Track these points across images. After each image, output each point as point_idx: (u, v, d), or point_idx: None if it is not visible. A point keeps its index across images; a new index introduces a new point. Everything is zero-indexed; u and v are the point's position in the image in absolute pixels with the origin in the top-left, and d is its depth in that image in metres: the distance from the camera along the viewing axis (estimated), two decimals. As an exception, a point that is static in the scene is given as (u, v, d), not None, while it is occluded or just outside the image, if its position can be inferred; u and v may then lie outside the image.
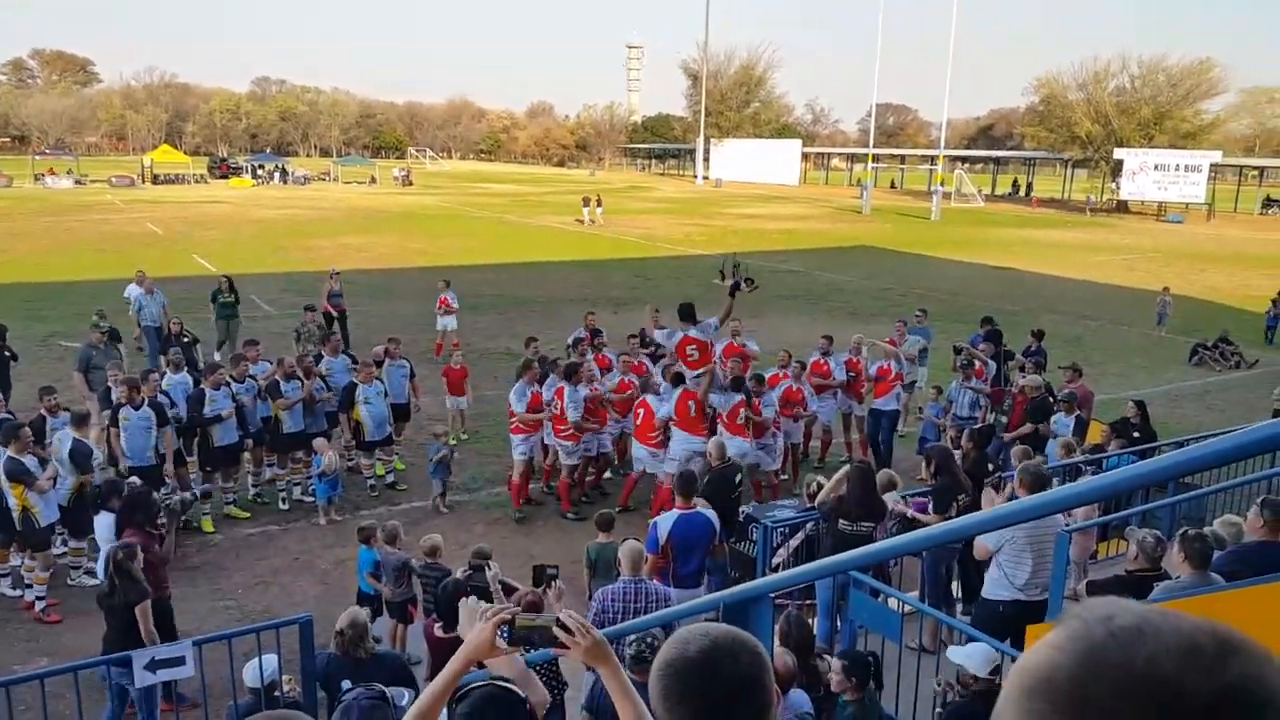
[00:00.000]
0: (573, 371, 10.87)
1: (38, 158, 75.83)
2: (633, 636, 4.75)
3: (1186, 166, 57.57)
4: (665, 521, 7.35)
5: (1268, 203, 65.54)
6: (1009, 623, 6.24)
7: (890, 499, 7.70)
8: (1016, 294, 27.15)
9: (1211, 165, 58.54)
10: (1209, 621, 0.75)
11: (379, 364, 11.77)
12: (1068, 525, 7.17)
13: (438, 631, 6.09)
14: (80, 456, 8.92)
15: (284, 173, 74.45)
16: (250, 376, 10.89)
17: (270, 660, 5.62)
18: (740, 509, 8.93)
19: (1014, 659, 5.23)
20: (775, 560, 7.97)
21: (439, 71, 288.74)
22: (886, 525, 7.52)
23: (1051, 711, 0.74)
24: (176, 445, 10.29)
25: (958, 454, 8.74)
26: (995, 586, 6.60)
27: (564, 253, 34.48)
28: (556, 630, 2.07)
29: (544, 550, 9.56)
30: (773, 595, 3.91)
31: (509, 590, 6.30)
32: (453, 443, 11.14)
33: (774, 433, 10.97)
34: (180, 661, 5.56)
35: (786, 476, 11.86)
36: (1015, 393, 11.66)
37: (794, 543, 8.07)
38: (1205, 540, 5.27)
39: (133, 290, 16.66)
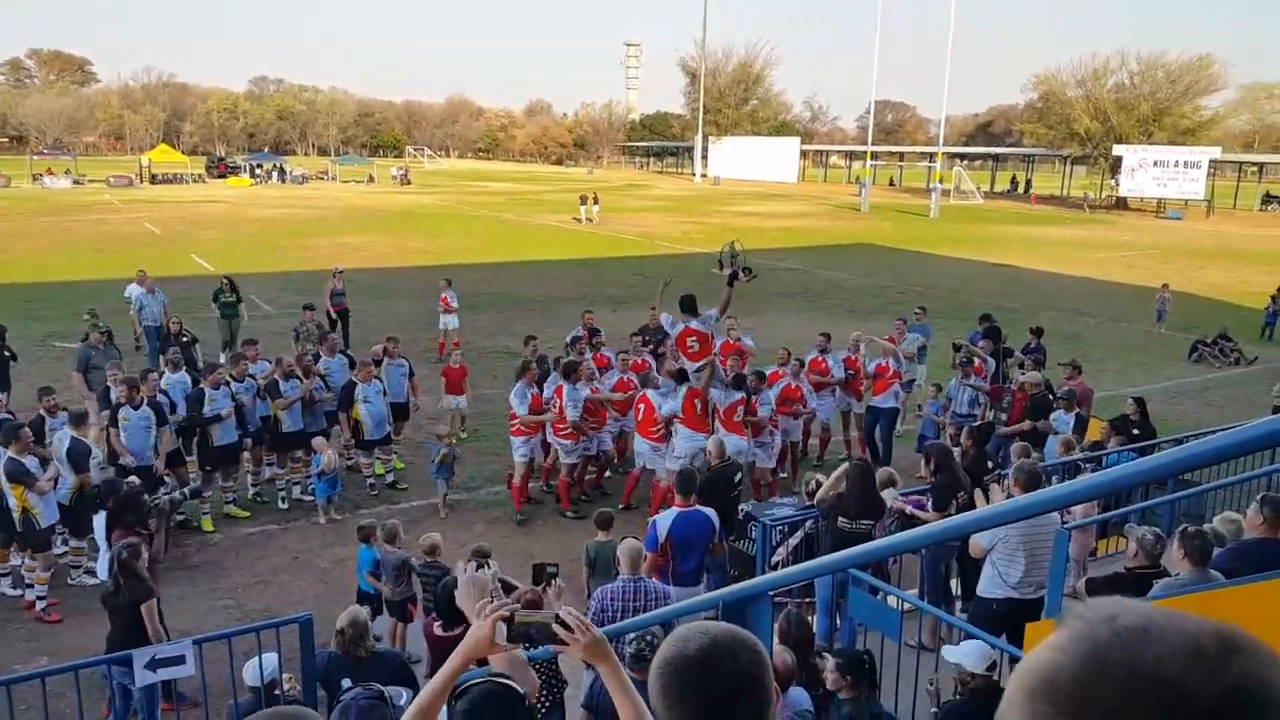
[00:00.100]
0: (571, 370, 10.87)
1: (35, 158, 75.86)
2: (632, 635, 4.75)
3: (1186, 163, 57.56)
4: (665, 519, 7.35)
5: (1267, 199, 65.55)
6: (1003, 620, 6.25)
7: (888, 496, 7.70)
8: (1015, 291, 27.16)
9: (1211, 161, 58.50)
10: (1213, 622, 0.75)
11: (377, 363, 11.77)
12: (1067, 523, 7.17)
13: (437, 630, 6.09)
14: (78, 455, 8.92)
15: (282, 172, 74.39)
16: (250, 376, 10.89)
17: (270, 659, 5.62)
18: (740, 507, 8.94)
19: (1010, 656, 5.25)
20: (774, 559, 7.97)
21: (437, 70, 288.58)
22: (885, 523, 7.53)
23: (1055, 713, 0.74)
24: (176, 444, 10.29)
25: (957, 451, 8.75)
26: (989, 584, 6.61)
27: (562, 251, 34.47)
28: (556, 627, 2.07)
29: (543, 549, 9.57)
30: (772, 593, 3.91)
31: (509, 588, 6.30)
32: (453, 442, 11.11)
33: (771, 430, 10.97)
34: (180, 660, 5.55)
35: (786, 475, 11.87)
36: (1014, 390, 11.66)
37: (793, 541, 8.07)
38: (1205, 537, 5.27)
39: (133, 290, 16.66)
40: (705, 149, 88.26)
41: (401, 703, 4.32)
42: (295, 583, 9.18)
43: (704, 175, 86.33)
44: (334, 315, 17.50)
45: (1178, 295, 22.75)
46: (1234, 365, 18.89)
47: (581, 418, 10.80)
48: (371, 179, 74.99)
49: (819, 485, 7.97)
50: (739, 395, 10.51)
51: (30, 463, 8.51)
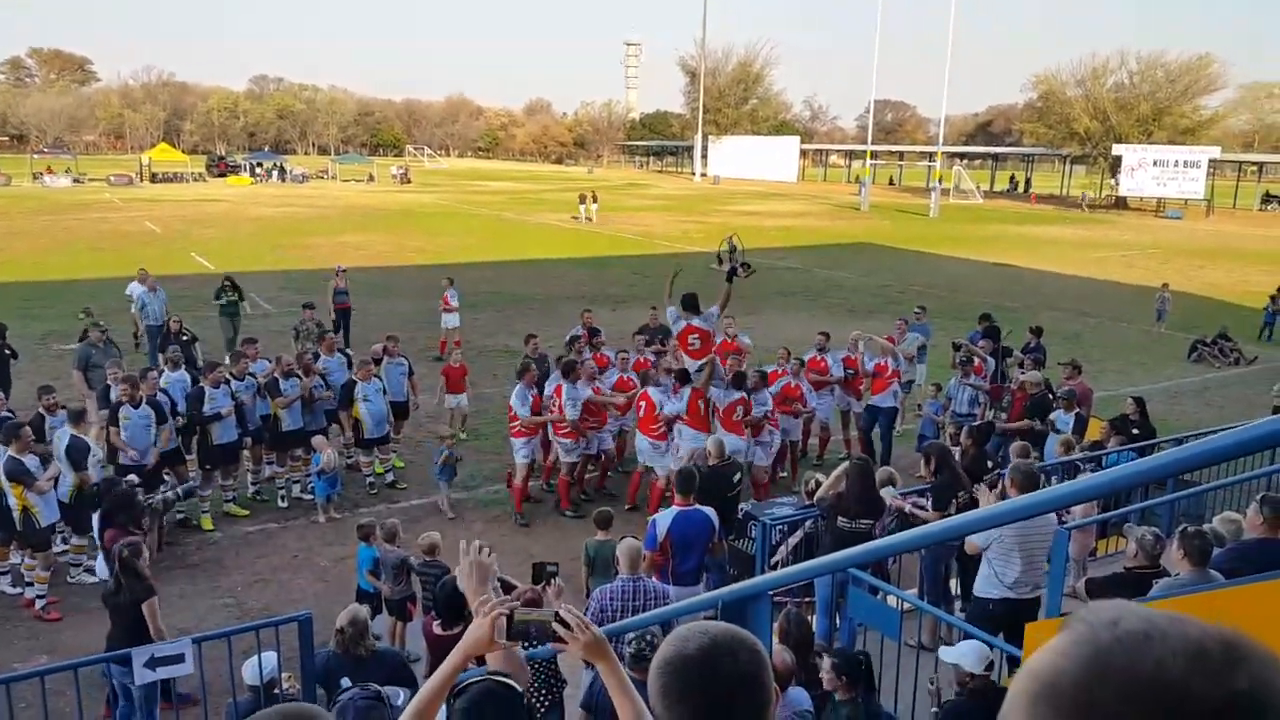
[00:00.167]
0: (570, 369, 10.87)
1: (36, 156, 75.83)
2: (632, 635, 4.75)
3: (1185, 162, 57.56)
4: (664, 518, 7.35)
5: (1267, 198, 65.54)
6: (999, 620, 6.25)
7: (887, 494, 7.70)
8: (1015, 291, 27.16)
9: (1210, 161, 58.50)
10: (1216, 626, 0.74)
11: (377, 362, 11.77)
12: (1066, 522, 7.18)
13: (436, 629, 6.09)
14: (76, 453, 8.92)
15: (282, 171, 74.35)
16: (250, 374, 10.89)
17: (270, 658, 5.62)
18: (739, 506, 8.94)
19: (1008, 655, 5.25)
20: (774, 559, 7.97)
21: (437, 69, 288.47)
22: (884, 522, 7.52)
23: (1056, 717, 0.73)
24: (175, 443, 10.29)
25: (956, 451, 8.75)
26: (985, 584, 6.62)
27: (562, 250, 34.46)
28: (555, 625, 2.07)
29: (543, 548, 9.57)
30: (772, 593, 3.91)
31: (508, 588, 6.29)
32: (454, 444, 11.08)
33: (770, 430, 10.96)
34: (180, 659, 5.55)
35: (786, 474, 11.87)
36: (1014, 389, 11.67)
37: (793, 540, 8.07)
38: (1205, 537, 5.26)
39: (135, 288, 16.66)
40: (705, 148, 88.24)
41: (399, 702, 4.32)
42: (295, 581, 9.18)
43: (704, 174, 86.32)
44: (336, 314, 17.48)
45: (1177, 295, 22.76)
46: (1234, 365, 18.90)
47: (581, 418, 10.80)
48: (371, 178, 74.99)
49: (819, 484, 7.97)
50: (739, 395, 10.50)
51: (30, 462, 8.51)
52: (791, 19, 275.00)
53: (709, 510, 7.45)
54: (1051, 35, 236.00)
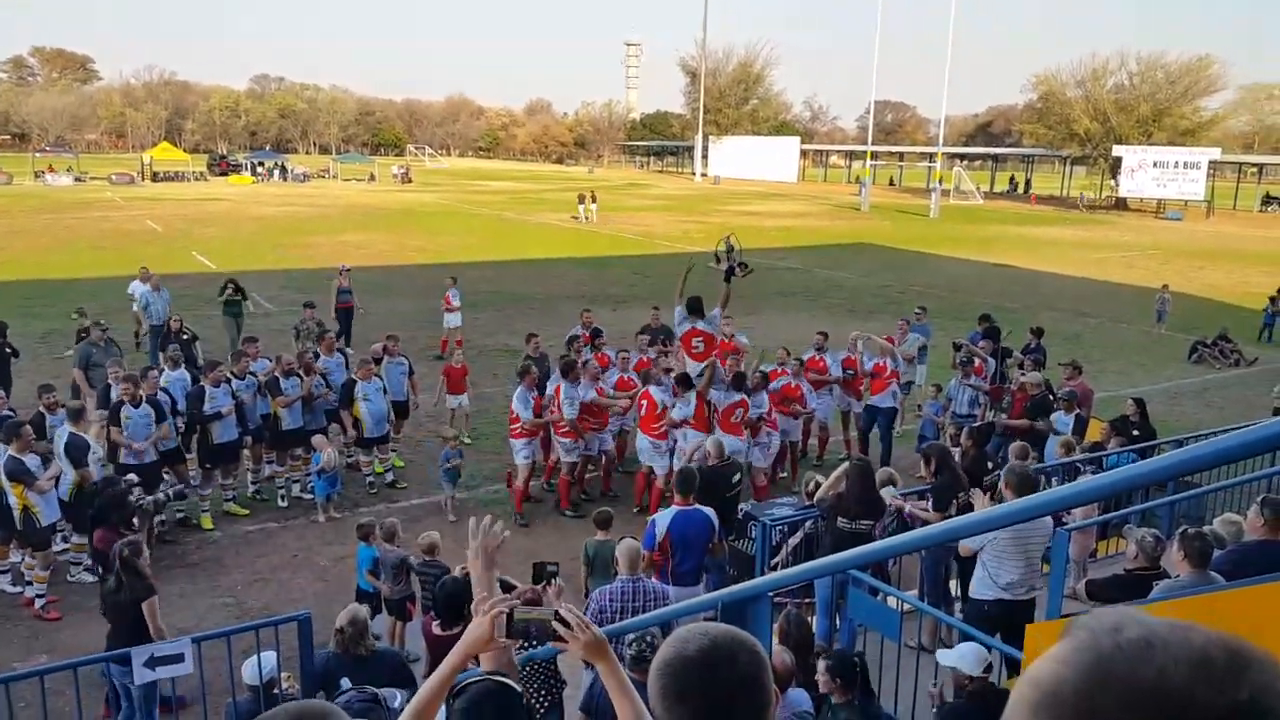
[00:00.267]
0: (569, 368, 10.87)
1: (38, 155, 75.68)
2: (632, 636, 4.75)
3: (1185, 163, 57.54)
4: (664, 518, 7.35)
5: (1267, 200, 65.50)
6: (995, 622, 6.25)
7: (887, 494, 7.70)
8: (1015, 291, 27.15)
9: (1210, 162, 58.47)
10: (1219, 633, 0.73)
11: (378, 361, 11.76)
12: (1067, 524, 7.17)
13: (435, 629, 6.09)
14: (76, 450, 8.92)
15: (283, 170, 74.37)
16: (250, 373, 10.89)
17: (269, 657, 5.61)
18: (739, 507, 8.93)
19: (1006, 656, 5.25)
20: (774, 560, 7.97)
21: (438, 69, 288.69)
22: (884, 522, 7.52)
23: None
24: (175, 442, 10.28)
25: (956, 451, 8.74)
26: (980, 586, 6.62)
27: (562, 250, 34.46)
28: (555, 624, 2.07)
29: (543, 548, 9.55)
30: (772, 594, 3.91)
31: (508, 587, 6.29)
32: (458, 447, 11.05)
33: (768, 431, 10.95)
34: (179, 659, 5.55)
35: (786, 474, 11.87)
36: (1014, 390, 11.66)
37: (793, 541, 8.07)
38: (1205, 539, 5.26)
39: (137, 287, 16.67)
40: (705, 148, 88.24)
41: (396, 704, 4.32)
42: (294, 580, 9.18)
43: (704, 175, 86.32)
44: (338, 313, 17.46)
45: (1177, 296, 22.75)
46: (1234, 366, 18.89)
47: (581, 419, 10.79)
48: (372, 177, 75.01)
49: (818, 485, 7.96)
50: (738, 397, 10.51)
51: (31, 461, 8.51)
52: (792, 19, 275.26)
53: (709, 510, 7.45)
54: (1051, 35, 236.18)
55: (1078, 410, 10.74)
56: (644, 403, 10.68)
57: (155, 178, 66.38)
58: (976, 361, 12.28)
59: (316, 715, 1.62)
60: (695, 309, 11.12)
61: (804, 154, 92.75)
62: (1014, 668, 5.49)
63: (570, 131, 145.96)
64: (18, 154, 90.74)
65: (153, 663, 5.51)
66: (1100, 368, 17.34)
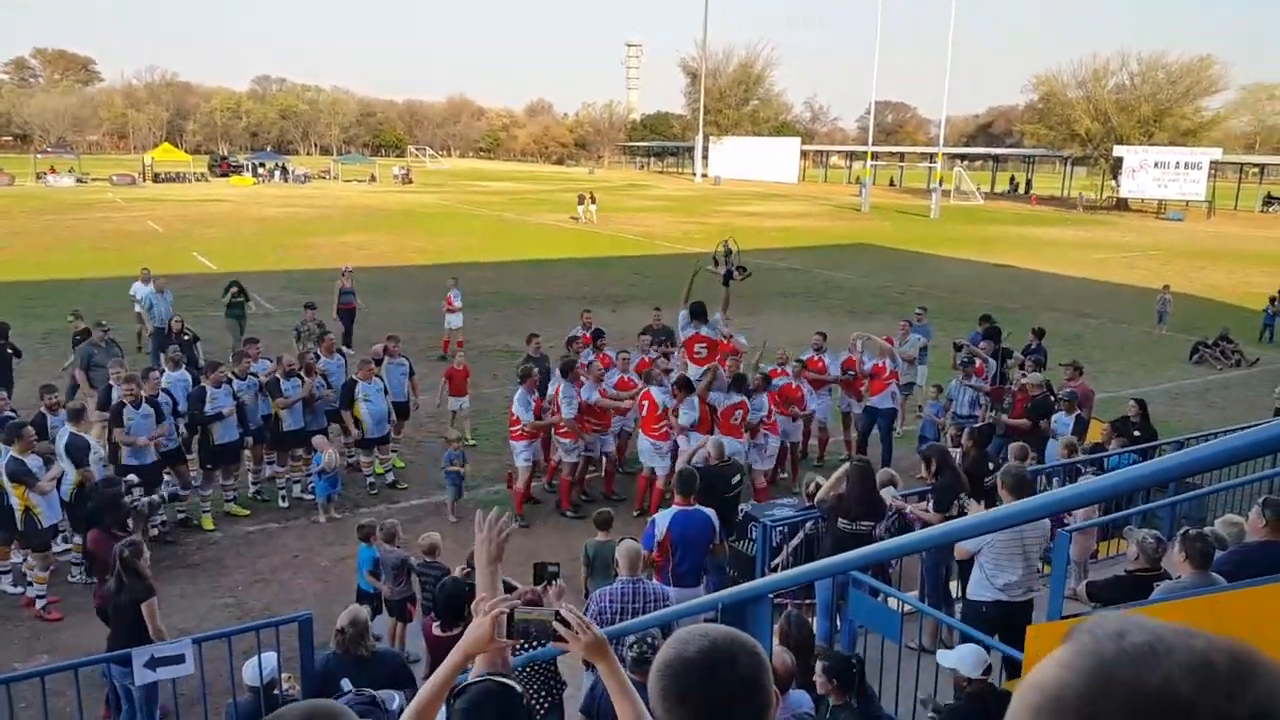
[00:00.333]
0: (569, 368, 10.86)
1: (39, 156, 75.60)
2: (633, 638, 4.74)
3: (1186, 164, 57.54)
4: (664, 517, 7.34)
5: (1268, 200, 65.50)
6: (992, 623, 6.25)
7: (887, 495, 7.69)
8: (1016, 292, 27.14)
9: (1211, 162, 58.49)
10: (1223, 639, 0.73)
11: (378, 362, 11.76)
12: (1068, 525, 7.16)
13: (436, 630, 6.09)
14: (76, 450, 8.93)
15: (284, 171, 74.41)
16: (251, 374, 10.89)
17: (270, 658, 5.61)
18: (739, 507, 8.93)
19: (1004, 656, 5.25)
20: (775, 561, 7.96)
21: (438, 70, 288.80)
22: (885, 523, 7.51)
23: None
24: (176, 443, 10.28)
25: (957, 453, 8.74)
26: (977, 587, 6.63)
27: (562, 250, 34.47)
28: (556, 624, 2.07)
29: (543, 549, 9.54)
30: (772, 595, 3.90)
31: (508, 588, 6.28)
32: (462, 450, 11.02)
33: (765, 434, 10.94)
34: (180, 659, 5.55)
35: (786, 475, 11.87)
36: (1015, 391, 11.65)
37: (794, 542, 8.06)
38: (1206, 540, 5.25)
39: (139, 288, 16.67)
40: (706, 149, 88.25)
41: (393, 706, 4.32)
42: (295, 581, 9.18)
43: (704, 175, 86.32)
44: (340, 314, 17.46)
45: (1178, 296, 22.75)
46: (1235, 367, 18.89)
47: (582, 420, 10.78)
48: (373, 178, 75.04)
49: (819, 486, 7.96)
50: (738, 399, 10.51)
51: (33, 462, 8.51)
52: (792, 19, 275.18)
53: (709, 511, 7.44)
54: (1052, 36, 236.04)
55: (1078, 411, 10.73)
56: (645, 403, 10.68)
57: (156, 179, 66.40)
58: (977, 362, 12.27)
59: (327, 715, 1.61)
60: (699, 314, 11.13)
61: (804, 154, 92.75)
62: (1013, 669, 5.49)
63: (571, 132, 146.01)
64: (20, 155, 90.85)
65: (153, 663, 5.51)
66: (1101, 368, 17.33)
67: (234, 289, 17.11)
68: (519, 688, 2.40)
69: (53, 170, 66.73)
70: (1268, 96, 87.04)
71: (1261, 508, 5.67)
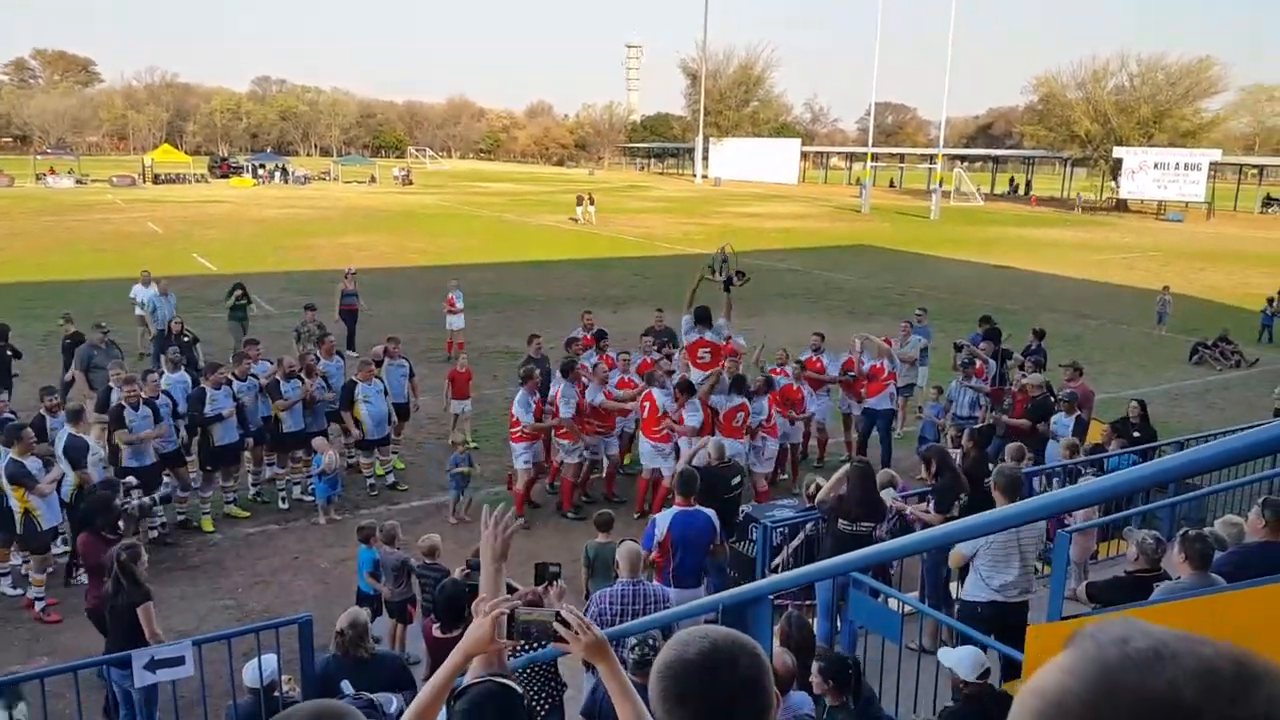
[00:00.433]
0: (568, 369, 10.86)
1: (39, 157, 75.78)
2: (634, 640, 4.74)
3: (1186, 165, 57.54)
4: (664, 518, 7.35)
5: (1267, 201, 65.47)
6: (989, 623, 6.25)
7: (887, 496, 7.69)
8: (1015, 293, 27.14)
9: (1211, 164, 58.49)
10: (1228, 645, 0.73)
11: (378, 363, 11.76)
12: (1068, 525, 7.16)
13: (436, 631, 6.08)
14: (75, 452, 8.93)
15: (284, 172, 74.41)
16: (251, 375, 10.88)
17: (270, 660, 5.61)
18: (740, 509, 8.93)
19: (1003, 656, 5.24)
20: (775, 562, 7.96)
21: (439, 71, 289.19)
22: (885, 524, 7.51)
23: None
24: (175, 445, 10.27)
25: (957, 454, 8.73)
26: (973, 588, 6.64)
27: (563, 251, 34.47)
28: (556, 625, 2.07)
29: (544, 550, 9.54)
30: (773, 596, 3.90)
31: (509, 589, 6.28)
32: (467, 452, 11.01)
33: (764, 436, 10.93)
34: (180, 661, 5.55)
35: (786, 476, 11.86)
36: (1015, 392, 11.65)
37: (794, 543, 8.06)
38: (1206, 541, 5.25)
39: (140, 291, 16.65)
40: (706, 150, 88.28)
41: (392, 709, 4.31)
42: (295, 583, 9.18)
43: (704, 176, 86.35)
44: (342, 316, 17.44)
45: (1178, 297, 22.75)
46: (1234, 367, 18.89)
47: (586, 423, 10.78)
48: (373, 179, 75.05)
49: (819, 487, 7.96)
50: (739, 401, 10.51)
51: (33, 464, 8.51)
52: (792, 20, 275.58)
53: (709, 511, 7.44)
54: (1051, 37, 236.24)
55: (1078, 412, 10.73)
56: (646, 404, 10.67)
57: (156, 180, 66.39)
58: (977, 363, 12.27)
59: (334, 716, 1.62)
60: (703, 319, 11.16)
61: (804, 156, 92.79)
62: (1011, 670, 5.49)
63: (571, 133, 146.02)
64: (19, 156, 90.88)
65: (153, 665, 5.51)
66: (1101, 369, 17.32)
67: (238, 292, 17.12)
68: (519, 689, 2.40)
69: (52, 171, 66.77)
70: (1267, 98, 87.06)
71: (1261, 508, 5.67)
